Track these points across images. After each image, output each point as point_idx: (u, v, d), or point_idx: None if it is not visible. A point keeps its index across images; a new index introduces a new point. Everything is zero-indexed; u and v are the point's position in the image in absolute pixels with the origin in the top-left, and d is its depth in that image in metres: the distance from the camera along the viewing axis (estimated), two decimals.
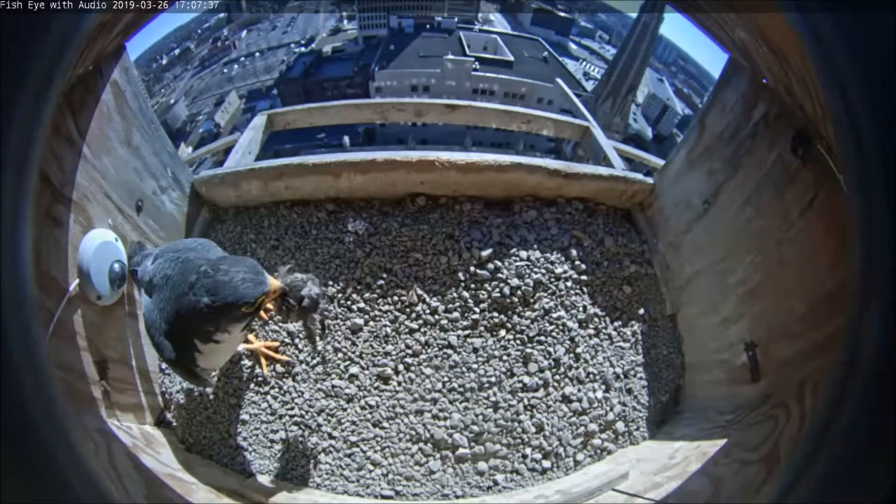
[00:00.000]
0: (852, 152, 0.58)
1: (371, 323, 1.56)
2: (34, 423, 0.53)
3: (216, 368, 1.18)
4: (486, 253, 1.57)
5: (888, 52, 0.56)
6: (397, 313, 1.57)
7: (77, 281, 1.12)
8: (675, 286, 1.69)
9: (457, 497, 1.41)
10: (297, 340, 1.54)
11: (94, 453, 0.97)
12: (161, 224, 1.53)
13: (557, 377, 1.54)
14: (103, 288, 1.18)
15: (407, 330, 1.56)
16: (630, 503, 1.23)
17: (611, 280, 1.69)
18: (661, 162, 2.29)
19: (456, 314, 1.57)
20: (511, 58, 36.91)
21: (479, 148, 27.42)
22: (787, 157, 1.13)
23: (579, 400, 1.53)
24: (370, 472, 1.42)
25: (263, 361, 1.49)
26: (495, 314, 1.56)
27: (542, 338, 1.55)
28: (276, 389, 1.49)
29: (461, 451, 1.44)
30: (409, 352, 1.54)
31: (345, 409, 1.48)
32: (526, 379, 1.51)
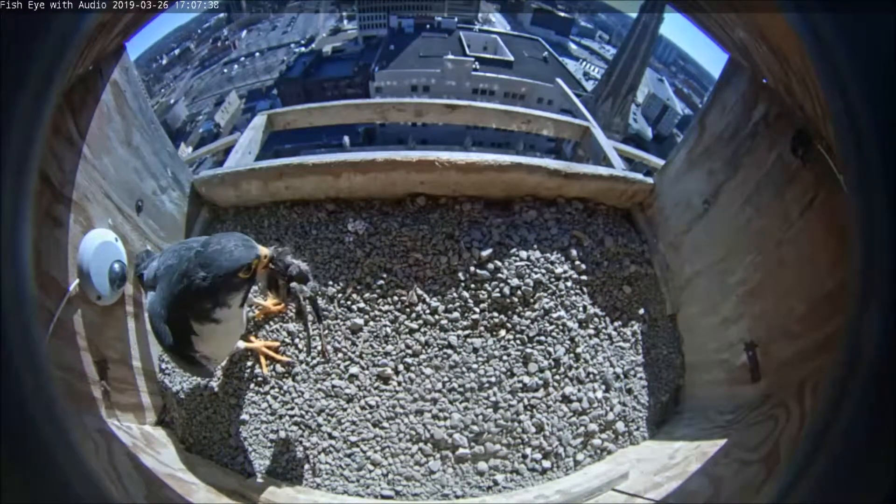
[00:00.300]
0: (852, 152, 0.58)
1: (371, 323, 1.56)
2: (34, 423, 0.53)
3: (217, 358, 1.16)
4: (486, 253, 1.57)
5: (888, 52, 0.56)
6: (397, 313, 1.57)
7: (77, 281, 1.12)
8: (675, 286, 1.69)
9: (457, 497, 1.41)
10: (297, 340, 1.54)
11: (94, 453, 0.97)
12: (161, 224, 1.53)
13: (557, 377, 1.54)
14: (103, 288, 1.18)
15: (407, 330, 1.56)
16: (630, 503, 1.23)
17: (611, 280, 1.69)
18: (661, 162, 2.29)
19: (456, 314, 1.57)
20: (511, 58, 36.91)
21: (479, 148, 27.42)
22: (787, 157, 1.13)
23: (579, 400, 1.53)
24: (370, 472, 1.42)
25: (263, 361, 1.49)
26: (495, 314, 1.56)
27: (542, 338, 1.55)
28: (276, 389, 1.49)
29: (461, 451, 1.44)
30: (409, 352, 1.54)
31: (345, 409, 1.48)
32: (526, 379, 1.51)
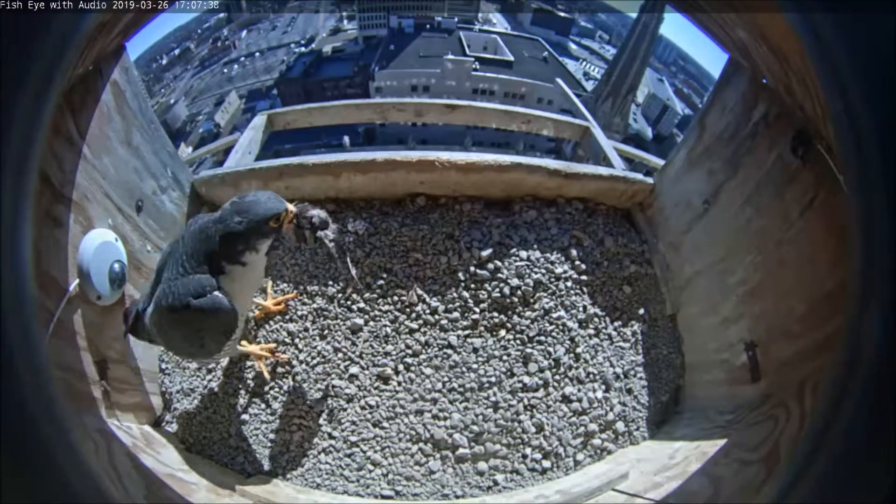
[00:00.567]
0: (852, 152, 0.58)
1: (371, 323, 1.56)
2: (34, 423, 0.53)
3: (238, 303, 1.16)
4: (486, 253, 1.57)
5: (888, 52, 0.56)
6: (397, 313, 1.57)
7: (77, 281, 1.12)
8: (675, 286, 1.69)
9: (457, 497, 1.41)
10: (296, 340, 1.54)
11: (94, 453, 0.97)
12: (161, 224, 1.53)
13: (557, 377, 1.54)
14: (103, 288, 1.18)
15: (407, 330, 1.56)
16: (630, 503, 1.23)
17: (611, 280, 1.69)
18: (661, 162, 2.29)
19: (456, 314, 1.57)
20: (511, 58, 36.92)
21: (479, 148, 27.42)
22: (787, 157, 1.13)
23: (579, 400, 1.53)
24: (370, 472, 1.42)
25: (262, 364, 1.49)
26: (495, 314, 1.56)
27: (542, 338, 1.55)
28: (276, 389, 1.49)
29: (461, 451, 1.44)
30: (409, 352, 1.54)
31: (345, 409, 1.48)
32: (526, 379, 1.51)
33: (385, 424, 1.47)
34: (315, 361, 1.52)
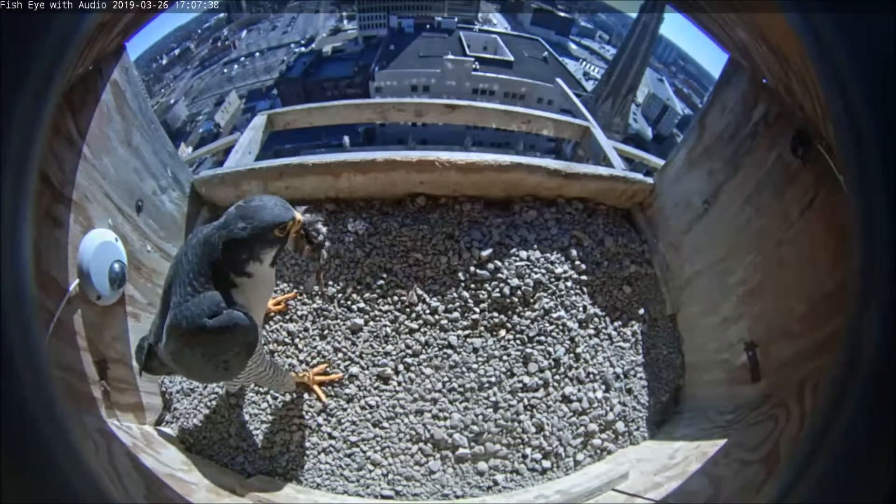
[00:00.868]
0: (852, 152, 0.58)
1: (371, 323, 1.56)
2: (34, 423, 0.53)
3: (253, 312, 1.11)
4: (486, 253, 1.57)
5: (888, 52, 0.56)
6: (397, 313, 1.57)
7: (77, 281, 1.12)
8: (675, 286, 1.69)
9: (457, 497, 1.41)
10: (296, 340, 1.54)
11: (94, 453, 0.97)
12: (161, 224, 1.53)
13: (557, 377, 1.54)
14: (103, 288, 1.18)
15: (407, 330, 1.56)
16: (630, 503, 1.23)
17: (611, 280, 1.69)
18: (661, 162, 2.29)
19: (456, 314, 1.56)
20: (511, 58, 36.91)
21: (479, 148, 27.41)
22: (787, 157, 1.13)
23: (579, 400, 1.53)
24: (370, 472, 1.42)
25: (319, 391, 1.48)
26: (495, 314, 1.56)
27: (542, 338, 1.55)
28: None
29: (461, 451, 1.44)
30: (409, 352, 1.54)
31: (345, 409, 1.48)
32: (526, 379, 1.51)
33: (385, 424, 1.47)
34: (315, 361, 1.52)
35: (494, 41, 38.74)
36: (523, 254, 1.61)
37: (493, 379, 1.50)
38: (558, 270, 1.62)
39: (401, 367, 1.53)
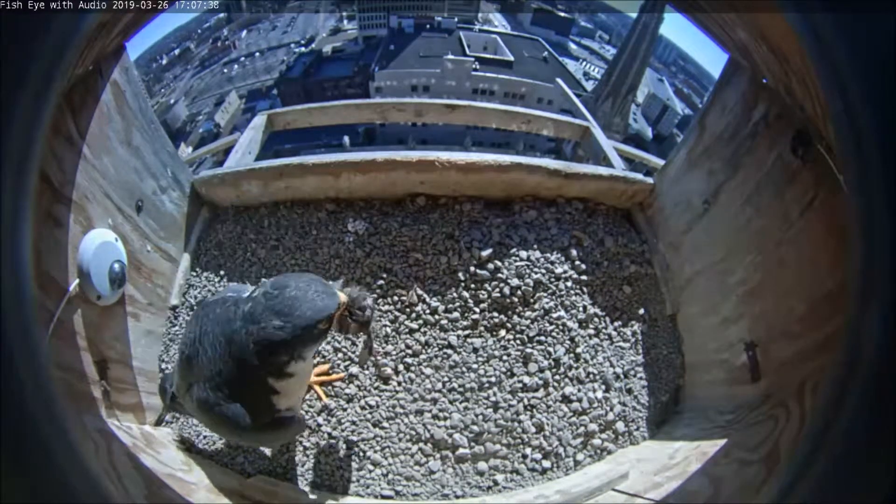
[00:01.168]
0: (852, 152, 0.58)
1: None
2: (34, 423, 0.53)
3: (296, 408, 1.01)
4: (486, 253, 1.57)
5: (888, 52, 0.56)
6: (397, 313, 1.57)
7: (77, 281, 1.12)
8: (675, 286, 1.69)
9: (457, 497, 1.41)
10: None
11: (94, 453, 0.97)
12: (161, 224, 1.54)
13: (557, 377, 1.54)
14: (103, 288, 1.18)
15: (407, 330, 1.56)
16: (630, 503, 1.23)
17: (611, 280, 1.69)
18: (661, 162, 2.29)
19: (456, 314, 1.56)
20: (511, 58, 36.91)
21: (479, 148, 27.42)
22: (787, 157, 1.13)
23: (579, 400, 1.53)
24: (370, 472, 1.42)
25: (321, 391, 1.47)
26: (495, 314, 1.56)
27: (542, 338, 1.55)
28: None
29: (461, 451, 1.44)
30: (409, 352, 1.54)
31: (345, 409, 1.48)
32: (526, 379, 1.51)
33: (385, 424, 1.47)
34: (315, 361, 1.52)
35: (494, 41, 38.75)
36: (523, 254, 1.61)
37: (493, 379, 1.50)
38: (558, 270, 1.62)
39: (401, 367, 1.53)
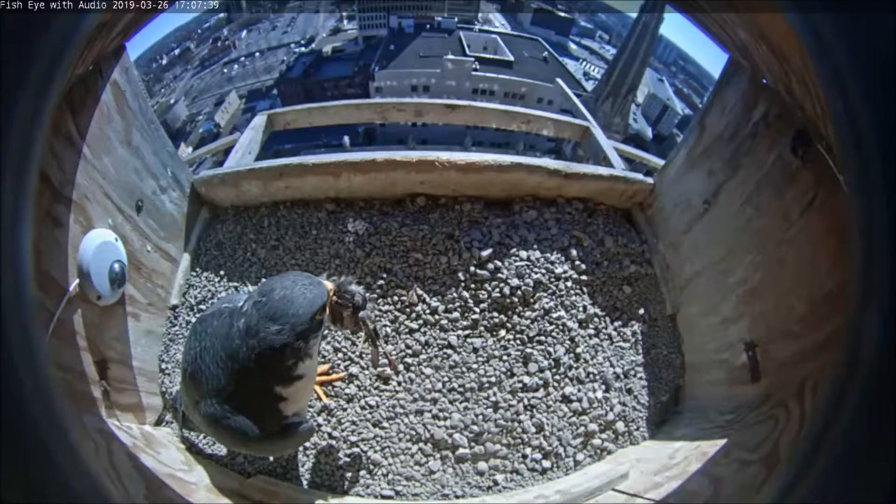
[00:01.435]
0: (852, 152, 0.58)
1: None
2: (34, 423, 0.53)
3: (304, 411, 1.02)
4: (486, 253, 1.57)
5: (888, 52, 0.56)
6: (397, 313, 1.57)
7: (77, 281, 1.12)
8: (675, 286, 1.69)
9: (457, 497, 1.41)
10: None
11: (94, 453, 0.97)
12: (161, 224, 1.54)
13: (557, 377, 1.54)
14: (103, 288, 1.18)
15: (407, 330, 1.56)
16: (630, 503, 1.23)
17: (611, 280, 1.69)
18: (661, 162, 2.29)
19: (456, 314, 1.56)
20: (511, 58, 36.92)
21: (479, 148, 27.42)
22: (787, 157, 1.13)
23: (579, 400, 1.53)
24: (370, 472, 1.42)
25: (321, 391, 1.47)
26: (495, 314, 1.56)
27: (542, 338, 1.55)
28: None
29: (461, 451, 1.44)
30: (409, 352, 1.54)
31: (345, 409, 1.48)
32: (526, 379, 1.51)
33: (385, 424, 1.47)
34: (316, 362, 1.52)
35: (494, 41, 38.75)
36: (523, 254, 1.61)
37: (493, 379, 1.50)
38: (558, 270, 1.62)
39: (401, 367, 1.53)
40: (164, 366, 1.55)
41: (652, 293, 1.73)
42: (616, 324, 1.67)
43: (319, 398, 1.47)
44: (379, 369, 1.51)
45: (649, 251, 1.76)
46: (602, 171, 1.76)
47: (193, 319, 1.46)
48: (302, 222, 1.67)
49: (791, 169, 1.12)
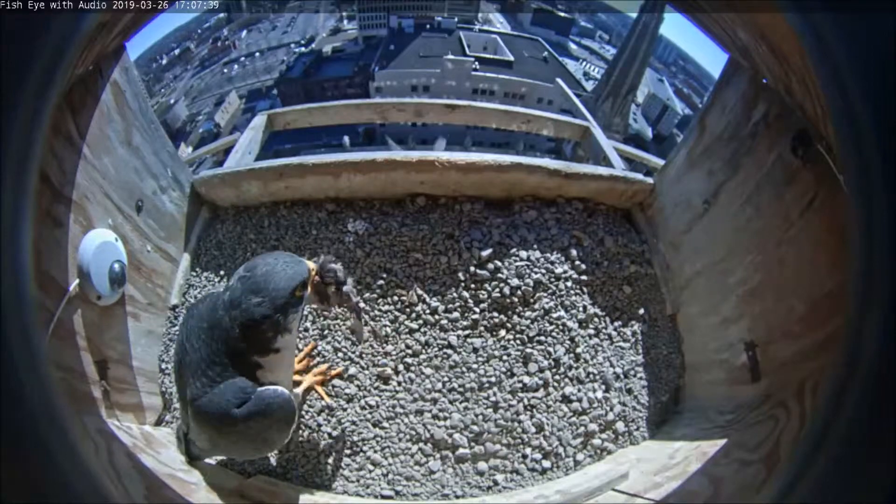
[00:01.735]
0: (852, 152, 0.58)
1: (371, 323, 1.56)
2: (34, 423, 0.53)
3: (284, 386, 1.03)
4: (486, 253, 1.57)
5: (888, 52, 0.56)
6: (397, 313, 1.57)
7: (77, 281, 1.12)
8: (675, 286, 1.69)
9: (457, 497, 1.41)
10: (297, 341, 1.54)
11: (94, 453, 0.97)
12: (161, 224, 1.54)
13: (557, 377, 1.54)
14: (103, 288, 1.18)
15: (407, 330, 1.56)
16: (630, 503, 1.23)
17: (611, 280, 1.69)
18: (661, 162, 2.29)
19: (456, 314, 1.56)
20: (511, 58, 36.91)
21: (479, 148, 27.41)
22: (787, 157, 1.13)
23: (579, 400, 1.53)
24: (370, 472, 1.42)
25: (322, 391, 1.47)
26: (495, 314, 1.56)
27: (542, 338, 1.55)
28: None
29: (461, 451, 1.44)
30: (409, 352, 1.54)
31: (345, 409, 1.48)
32: (526, 379, 1.51)
33: (385, 424, 1.47)
34: (315, 361, 1.52)
35: (494, 41, 38.75)
36: (523, 254, 1.61)
37: (493, 379, 1.50)
38: (558, 270, 1.62)
39: (401, 367, 1.53)
40: (164, 366, 1.55)
41: (652, 293, 1.73)
42: (616, 324, 1.67)
43: (321, 398, 1.47)
44: (379, 369, 1.51)
45: (649, 251, 1.76)
46: (602, 171, 1.76)
47: None
48: (302, 222, 1.67)
49: (791, 169, 1.12)
